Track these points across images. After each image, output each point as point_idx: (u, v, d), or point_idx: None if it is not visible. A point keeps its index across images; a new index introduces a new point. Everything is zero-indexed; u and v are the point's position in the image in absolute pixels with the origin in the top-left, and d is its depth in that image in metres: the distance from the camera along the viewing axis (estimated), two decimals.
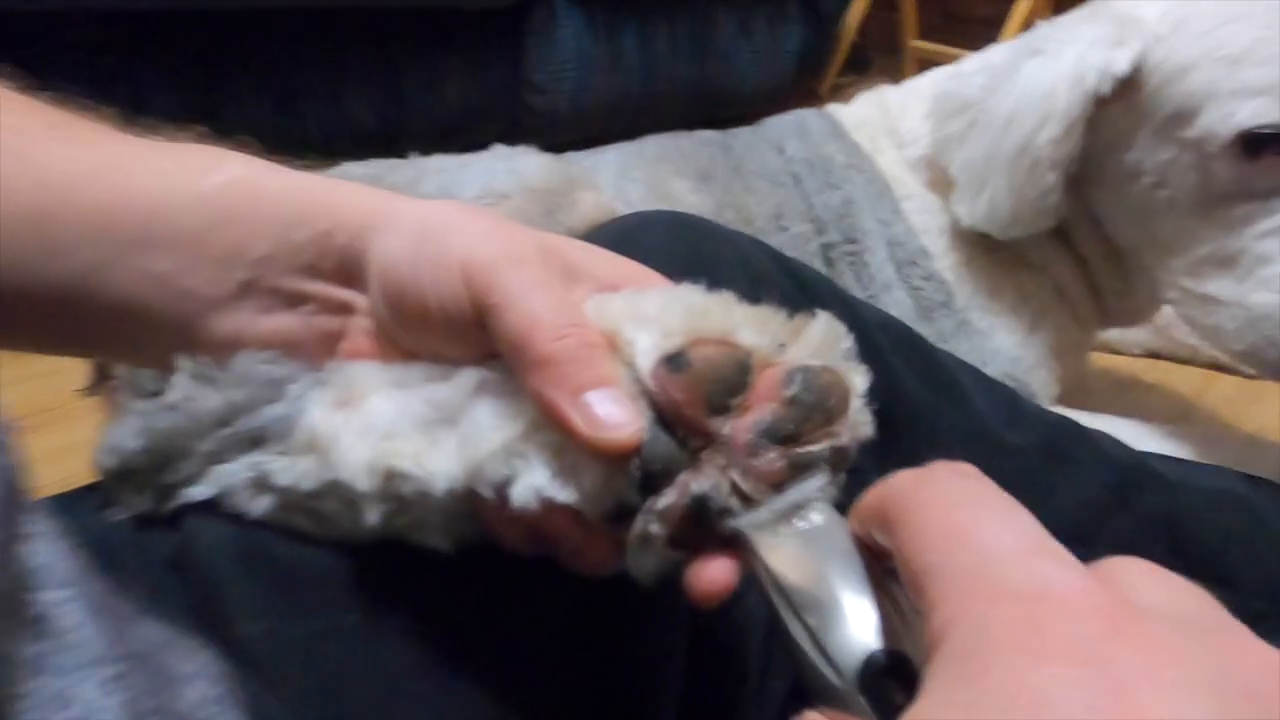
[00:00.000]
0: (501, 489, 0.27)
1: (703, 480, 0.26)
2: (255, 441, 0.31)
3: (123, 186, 0.30)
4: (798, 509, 0.25)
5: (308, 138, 1.35)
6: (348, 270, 0.31)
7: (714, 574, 0.26)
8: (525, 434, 0.27)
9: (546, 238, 0.31)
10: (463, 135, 0.82)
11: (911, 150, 0.80)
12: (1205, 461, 0.65)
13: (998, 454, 0.47)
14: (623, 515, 0.27)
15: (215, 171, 0.31)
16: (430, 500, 0.28)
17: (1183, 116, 0.64)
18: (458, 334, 0.30)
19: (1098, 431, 0.53)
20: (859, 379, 0.27)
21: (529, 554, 0.30)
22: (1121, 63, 0.65)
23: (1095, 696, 0.15)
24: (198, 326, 0.31)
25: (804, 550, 0.24)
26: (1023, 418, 0.50)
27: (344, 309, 0.32)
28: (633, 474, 0.26)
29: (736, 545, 0.26)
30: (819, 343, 0.28)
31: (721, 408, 0.26)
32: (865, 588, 0.23)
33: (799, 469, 0.26)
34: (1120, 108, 0.67)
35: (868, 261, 0.75)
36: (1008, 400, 0.51)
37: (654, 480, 0.26)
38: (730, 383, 0.26)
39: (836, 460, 0.26)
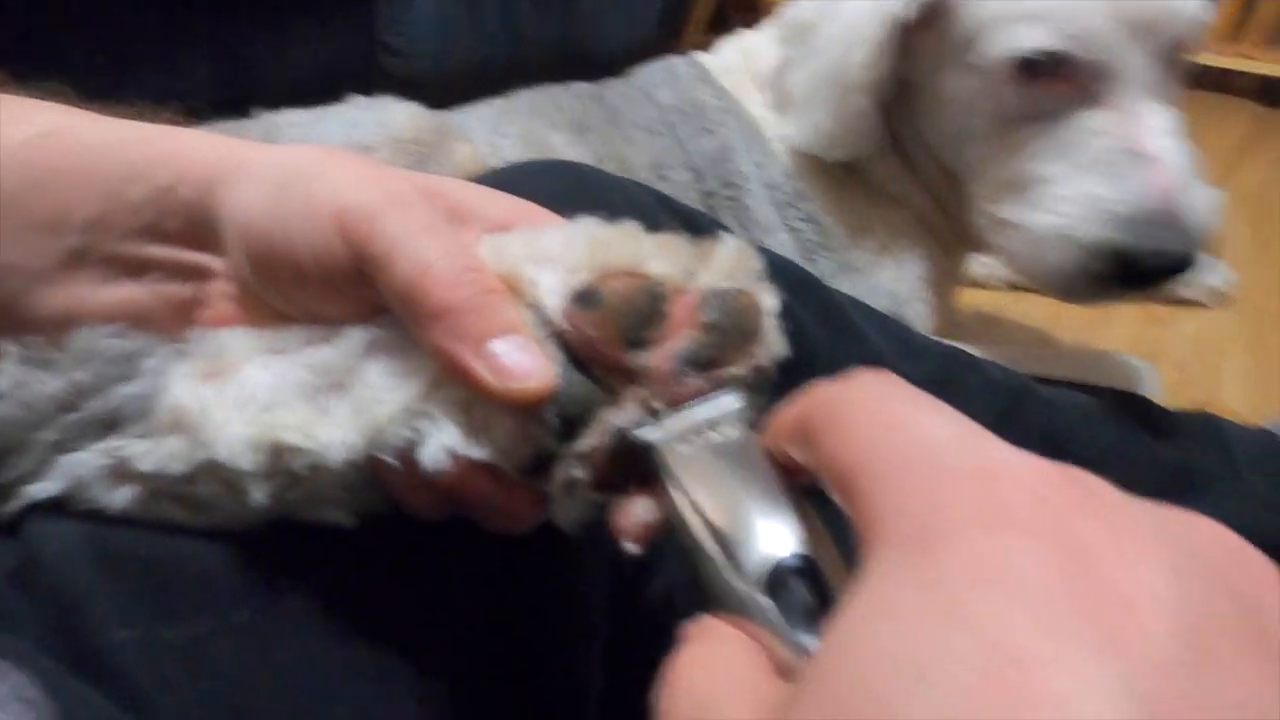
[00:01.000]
0: (407, 453, 0.25)
1: (624, 414, 0.25)
2: (108, 425, 0.28)
3: None
4: (712, 424, 0.25)
5: (140, 104, 1.23)
6: (197, 230, 0.28)
7: (638, 512, 0.25)
8: (427, 392, 0.26)
9: (426, 179, 0.29)
10: (313, 101, 0.77)
11: (772, 93, 0.80)
12: (1073, 379, 0.69)
13: None
14: (542, 465, 0.26)
15: (21, 123, 0.27)
16: (326, 473, 0.26)
17: (977, 43, 0.67)
18: (336, 291, 0.27)
19: (982, 358, 0.55)
20: (770, 299, 0.28)
21: (439, 518, 0.28)
22: None
23: (1066, 568, 0.15)
24: (22, 304, 0.27)
25: (715, 463, 0.24)
26: (914, 350, 0.51)
27: (197, 274, 0.29)
28: (550, 421, 0.25)
29: (656, 478, 0.25)
30: (729, 266, 0.27)
31: (638, 341, 0.26)
32: (778, 502, 0.22)
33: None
34: (933, 35, 0.69)
35: (748, 205, 0.75)
36: (899, 334, 0.52)
37: (573, 424, 0.25)
38: (645, 314, 0.26)
39: (757, 381, 0.26)
